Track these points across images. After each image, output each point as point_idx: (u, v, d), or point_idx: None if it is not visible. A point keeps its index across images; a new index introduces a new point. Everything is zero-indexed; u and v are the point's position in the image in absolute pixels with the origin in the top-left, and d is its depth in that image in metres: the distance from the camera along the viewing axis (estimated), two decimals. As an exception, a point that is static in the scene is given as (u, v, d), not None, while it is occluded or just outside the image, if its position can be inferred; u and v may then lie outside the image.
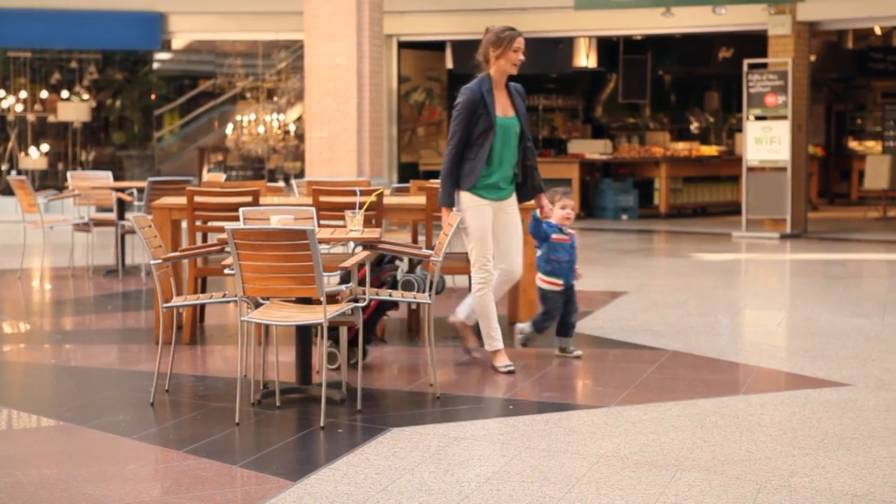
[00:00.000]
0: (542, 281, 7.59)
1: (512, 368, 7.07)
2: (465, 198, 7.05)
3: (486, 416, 6.07)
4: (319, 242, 6.03)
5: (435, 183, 9.78)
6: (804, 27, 17.08)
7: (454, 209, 7.05)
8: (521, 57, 7.05)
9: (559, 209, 7.57)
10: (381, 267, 7.23)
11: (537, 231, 7.51)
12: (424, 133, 21.69)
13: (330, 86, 14.59)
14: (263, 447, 5.49)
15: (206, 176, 18.15)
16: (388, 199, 8.66)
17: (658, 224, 19.12)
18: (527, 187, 7.26)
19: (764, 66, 16.91)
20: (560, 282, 7.56)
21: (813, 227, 17.60)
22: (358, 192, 7.51)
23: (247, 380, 6.38)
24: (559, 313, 7.58)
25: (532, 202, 7.46)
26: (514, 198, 7.24)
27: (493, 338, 7.15)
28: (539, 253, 7.62)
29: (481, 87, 7.01)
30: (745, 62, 17.02)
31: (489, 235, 7.09)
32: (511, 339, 7.76)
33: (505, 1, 18.32)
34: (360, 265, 6.69)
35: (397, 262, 7.29)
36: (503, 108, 7.06)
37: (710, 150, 21.54)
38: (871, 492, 4.75)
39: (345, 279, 7.00)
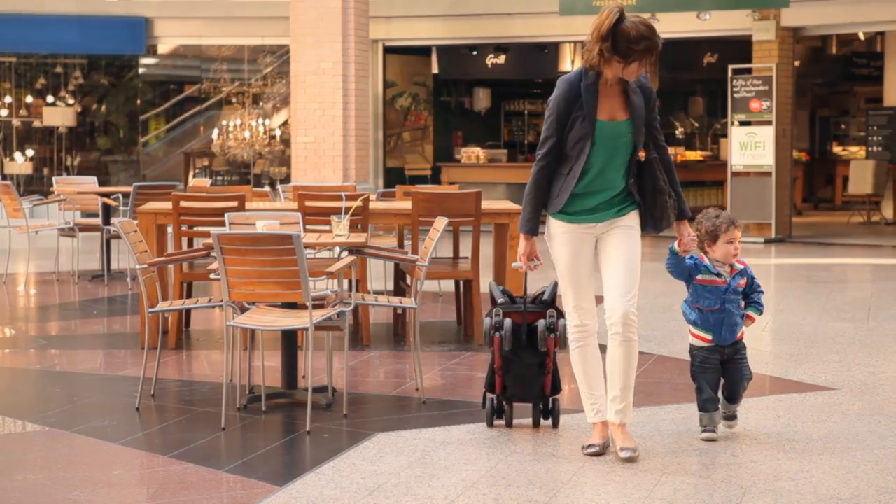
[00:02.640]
0: (690, 334, 5.78)
1: (596, 451, 5.38)
2: (552, 224, 5.37)
3: (472, 420, 6.06)
4: (305, 247, 6.03)
5: (420, 188, 9.80)
6: (788, 33, 17.14)
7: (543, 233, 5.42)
8: (648, 69, 5.22)
9: (724, 244, 5.59)
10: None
11: (676, 269, 5.65)
12: (410, 138, 21.71)
13: (316, 91, 14.60)
14: (249, 452, 5.49)
15: (191, 181, 18.15)
16: (374, 204, 8.67)
17: (643, 229, 19.11)
18: (651, 215, 5.36)
19: (748, 71, 16.96)
20: (708, 337, 5.67)
21: (797, 232, 17.65)
22: (344, 197, 7.52)
23: (232, 385, 6.37)
24: (708, 380, 5.63)
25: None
26: (632, 215, 5.36)
27: (592, 406, 5.46)
28: (686, 297, 5.82)
29: (581, 80, 5.21)
30: (730, 67, 17.06)
31: (583, 271, 5.33)
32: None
33: (491, 6, 18.35)
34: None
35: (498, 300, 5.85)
36: (610, 110, 5.22)
37: (695, 155, 21.59)
38: (856, 495, 4.77)
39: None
